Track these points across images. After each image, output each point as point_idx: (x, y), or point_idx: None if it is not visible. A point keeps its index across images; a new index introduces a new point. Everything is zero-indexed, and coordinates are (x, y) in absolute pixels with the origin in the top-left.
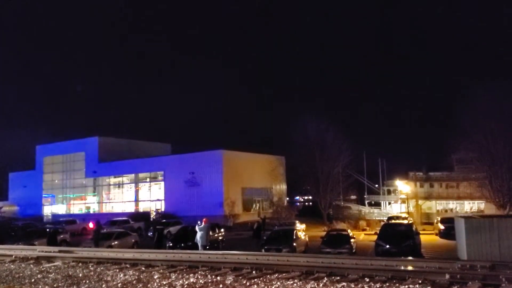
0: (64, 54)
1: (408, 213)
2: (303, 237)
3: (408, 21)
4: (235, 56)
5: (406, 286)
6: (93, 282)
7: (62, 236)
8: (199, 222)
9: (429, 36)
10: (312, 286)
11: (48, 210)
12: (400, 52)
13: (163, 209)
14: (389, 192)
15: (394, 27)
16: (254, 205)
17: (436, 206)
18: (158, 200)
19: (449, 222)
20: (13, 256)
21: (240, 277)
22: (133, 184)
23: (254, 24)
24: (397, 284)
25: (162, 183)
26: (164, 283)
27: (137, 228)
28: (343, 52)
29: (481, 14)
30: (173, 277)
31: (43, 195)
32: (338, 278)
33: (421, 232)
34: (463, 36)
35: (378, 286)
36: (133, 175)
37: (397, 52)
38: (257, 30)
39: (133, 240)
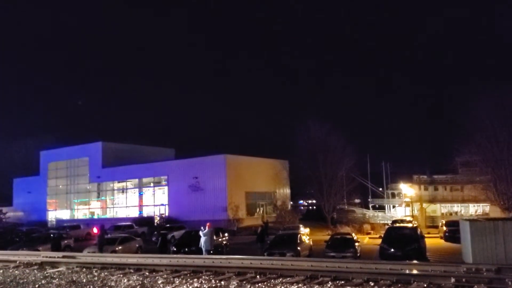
0: (67, 59)
1: (412, 216)
2: (307, 241)
3: (412, 22)
4: (237, 58)
5: None
6: None
7: (66, 242)
8: (202, 227)
9: (433, 38)
10: None
11: (52, 215)
12: (404, 54)
13: (167, 214)
14: (393, 195)
15: (396, 28)
16: (258, 209)
17: (440, 209)
18: (162, 205)
19: (454, 225)
20: (17, 262)
21: (244, 282)
22: (137, 189)
23: (256, 24)
24: None
25: (166, 187)
26: None
27: (141, 233)
28: (346, 54)
29: (487, 16)
30: (177, 282)
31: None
32: (342, 282)
33: (426, 235)
34: (468, 37)
35: None
36: (137, 180)
37: (401, 54)
38: (259, 31)
39: (137, 245)
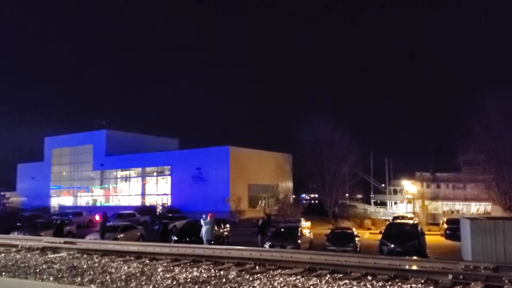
0: (73, 47)
1: (414, 213)
2: (307, 235)
3: (420, 20)
4: (243, 53)
5: (409, 285)
6: (97, 274)
7: (68, 228)
8: (204, 216)
9: (440, 36)
10: (314, 282)
11: (55, 201)
12: (409, 52)
13: (169, 204)
14: (395, 192)
15: (404, 25)
16: (260, 202)
17: (442, 207)
18: (165, 194)
19: (454, 223)
20: (19, 246)
21: (243, 272)
22: (140, 178)
23: (260, 22)
24: (400, 283)
25: (169, 177)
26: (168, 276)
27: (143, 222)
28: (351, 52)
29: (495, 16)
30: (177, 270)
31: (51, 187)
32: (340, 275)
33: (426, 232)
34: (476, 36)
35: (380, 284)
36: (140, 169)
37: (406, 52)
38: (264, 28)
39: (138, 234)
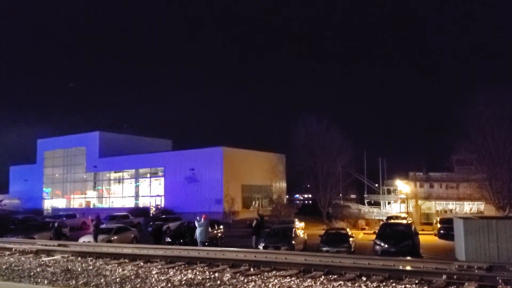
0: (66, 48)
1: (407, 213)
2: (301, 235)
3: (411, 20)
4: (236, 53)
5: (403, 286)
6: (91, 277)
7: (62, 230)
8: (198, 218)
9: (432, 36)
10: (309, 284)
11: (48, 204)
12: (402, 51)
13: (162, 205)
14: (388, 191)
15: (396, 26)
16: (253, 203)
17: (435, 206)
18: (158, 195)
19: (448, 222)
20: (13, 249)
21: (238, 274)
22: (133, 180)
23: (256, 20)
24: (394, 284)
25: (162, 179)
26: (162, 278)
27: (137, 224)
28: (345, 51)
29: (486, 16)
30: (171, 272)
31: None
32: (335, 276)
33: (420, 232)
34: (467, 37)
35: (375, 285)
36: (133, 170)
37: (399, 52)
38: (258, 27)
39: (132, 235)
